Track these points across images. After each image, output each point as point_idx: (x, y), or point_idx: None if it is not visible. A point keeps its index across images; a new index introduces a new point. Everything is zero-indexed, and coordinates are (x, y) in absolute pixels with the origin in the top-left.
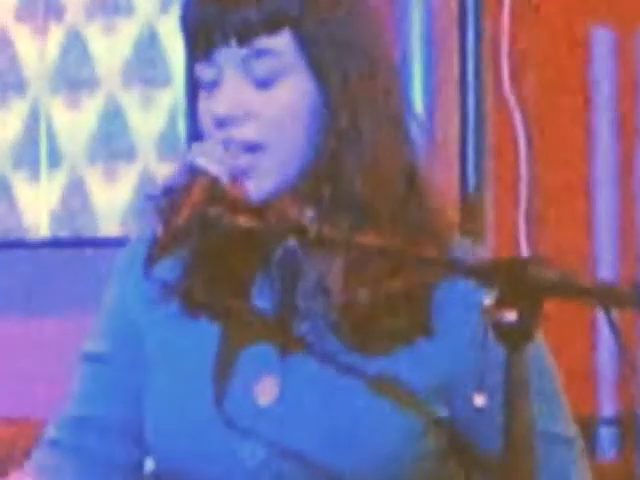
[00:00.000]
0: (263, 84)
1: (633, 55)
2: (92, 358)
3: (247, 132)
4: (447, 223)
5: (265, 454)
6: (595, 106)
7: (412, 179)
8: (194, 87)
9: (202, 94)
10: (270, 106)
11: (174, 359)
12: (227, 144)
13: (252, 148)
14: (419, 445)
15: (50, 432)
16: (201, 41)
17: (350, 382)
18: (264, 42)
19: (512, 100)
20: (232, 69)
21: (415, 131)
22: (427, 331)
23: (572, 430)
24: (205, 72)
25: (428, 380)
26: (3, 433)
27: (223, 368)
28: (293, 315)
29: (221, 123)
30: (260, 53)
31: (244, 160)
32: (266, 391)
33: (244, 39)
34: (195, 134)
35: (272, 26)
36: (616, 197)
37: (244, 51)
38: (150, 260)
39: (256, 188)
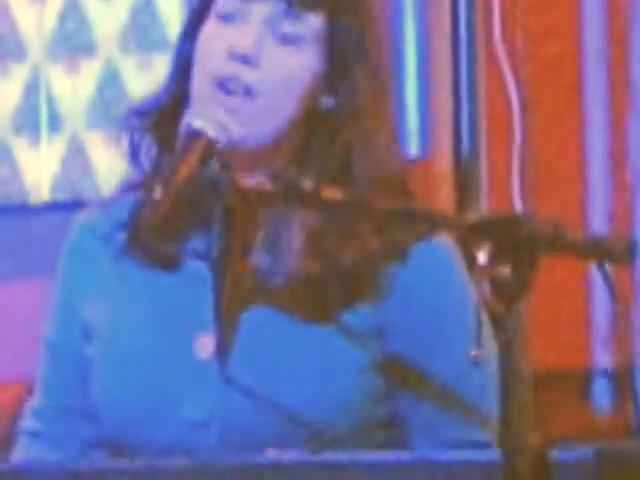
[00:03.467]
0: (283, 40)
1: (622, 6)
2: (48, 344)
3: (251, 76)
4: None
5: (207, 407)
6: (586, 56)
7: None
8: (198, 11)
9: (215, 22)
10: (280, 65)
11: (116, 315)
12: (226, 80)
13: (246, 91)
14: (361, 382)
15: (25, 421)
16: None
17: (288, 331)
18: (304, 10)
19: (504, 59)
20: (262, 15)
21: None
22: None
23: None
24: (231, 3)
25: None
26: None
27: (168, 322)
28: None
29: (237, 57)
30: (295, 17)
31: (233, 102)
32: (204, 347)
33: (289, 1)
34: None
35: (317, 2)
36: (609, 152)
37: (283, 8)
38: (137, 225)
39: (238, 128)
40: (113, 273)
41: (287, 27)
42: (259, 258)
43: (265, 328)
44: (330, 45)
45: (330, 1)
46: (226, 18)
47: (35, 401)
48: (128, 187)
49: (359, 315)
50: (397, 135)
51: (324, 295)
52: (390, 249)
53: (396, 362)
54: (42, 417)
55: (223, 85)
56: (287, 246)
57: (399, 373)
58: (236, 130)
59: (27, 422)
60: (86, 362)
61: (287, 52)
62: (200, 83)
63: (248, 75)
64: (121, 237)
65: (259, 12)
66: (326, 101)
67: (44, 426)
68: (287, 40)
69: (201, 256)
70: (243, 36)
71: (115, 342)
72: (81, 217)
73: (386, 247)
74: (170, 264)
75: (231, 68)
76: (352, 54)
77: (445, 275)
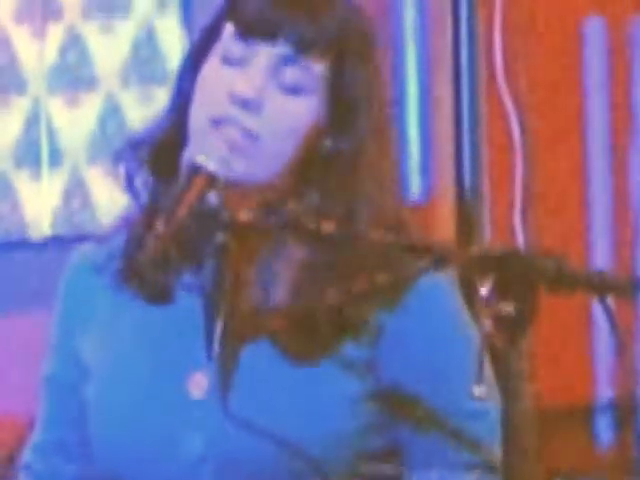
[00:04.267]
0: (286, 88)
1: (624, 44)
2: (46, 380)
3: (253, 122)
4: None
5: (203, 445)
6: (588, 95)
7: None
8: (199, 51)
9: (217, 62)
10: (282, 112)
11: (111, 352)
12: (227, 121)
13: (247, 135)
14: (354, 415)
15: (24, 456)
16: (255, 27)
17: (282, 368)
18: (307, 55)
19: (506, 94)
20: (267, 61)
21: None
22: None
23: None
24: (236, 48)
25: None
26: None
27: (160, 358)
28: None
29: (238, 101)
30: (298, 62)
31: (236, 137)
32: (197, 385)
33: (293, 45)
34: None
35: (321, 47)
36: (611, 187)
37: (286, 52)
38: (132, 260)
39: (241, 166)
40: (108, 308)
41: (291, 75)
42: (253, 293)
43: (259, 363)
44: (334, 92)
45: (335, 49)
46: (229, 61)
47: (34, 436)
48: (124, 223)
49: (352, 349)
50: (397, 175)
51: (317, 330)
52: (379, 291)
53: (392, 391)
54: (38, 451)
55: (219, 124)
56: (280, 281)
57: (395, 402)
58: (238, 167)
59: (25, 457)
60: (83, 398)
61: (290, 100)
62: (199, 120)
63: (248, 120)
64: (115, 269)
65: (263, 58)
66: (329, 144)
67: (40, 460)
68: (290, 89)
69: (194, 290)
70: (245, 81)
71: (111, 380)
72: (77, 253)
73: (375, 289)
74: (163, 298)
75: (231, 111)
76: (356, 101)
77: (439, 316)
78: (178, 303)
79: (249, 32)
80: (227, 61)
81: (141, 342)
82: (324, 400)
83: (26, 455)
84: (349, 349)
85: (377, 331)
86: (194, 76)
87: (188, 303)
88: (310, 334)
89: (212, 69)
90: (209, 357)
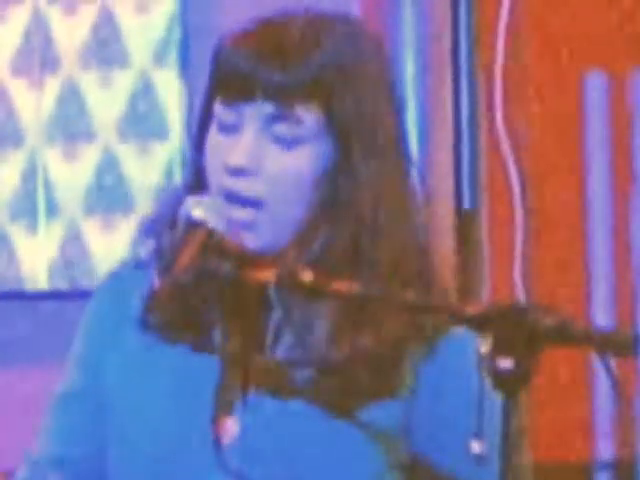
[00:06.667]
0: (281, 144)
1: (625, 97)
2: (63, 397)
3: (254, 187)
4: (444, 281)
5: None
6: (589, 149)
7: (415, 246)
8: (200, 123)
9: (215, 132)
10: (283, 168)
11: (136, 394)
12: (230, 195)
13: (253, 203)
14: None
15: (22, 472)
16: (231, 88)
17: (312, 426)
18: (292, 108)
19: (505, 143)
20: (255, 122)
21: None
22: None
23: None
24: (226, 115)
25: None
26: None
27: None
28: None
29: (232, 172)
30: (286, 117)
31: (242, 214)
32: (227, 430)
33: (274, 100)
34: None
35: (304, 96)
36: (611, 240)
37: (270, 110)
38: (148, 310)
39: (253, 241)
40: (139, 340)
41: (282, 130)
42: (281, 349)
43: (285, 418)
44: (333, 136)
45: (323, 93)
46: (224, 128)
47: (33, 454)
48: (142, 264)
49: (385, 410)
50: (422, 222)
51: (349, 388)
52: (413, 333)
53: (420, 463)
54: (38, 466)
55: (229, 198)
56: (310, 337)
57: (423, 475)
58: (252, 243)
59: (21, 474)
60: (100, 415)
61: (288, 155)
62: (214, 189)
63: (248, 187)
64: (142, 313)
65: (251, 120)
66: (341, 189)
67: (33, 473)
68: (285, 143)
69: (216, 347)
70: (236, 149)
71: (136, 416)
72: (113, 274)
73: (407, 330)
74: (193, 347)
75: (231, 183)
76: (358, 139)
77: (470, 373)
78: (209, 352)
79: (230, 97)
80: (222, 129)
81: (171, 382)
82: (352, 466)
83: (22, 472)
84: (384, 410)
85: (413, 381)
86: (202, 149)
87: (209, 358)
88: (344, 390)
89: (212, 139)
90: (243, 403)
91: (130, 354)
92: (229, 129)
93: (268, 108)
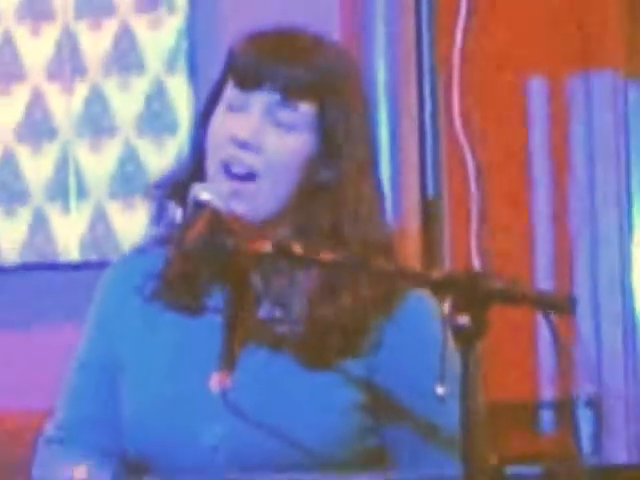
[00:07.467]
0: (281, 127)
1: (562, 100)
2: (80, 366)
3: (253, 160)
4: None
5: (221, 434)
6: (532, 143)
7: (379, 218)
8: (208, 105)
9: (223, 111)
10: (279, 148)
11: (145, 354)
12: (231, 164)
13: (250, 175)
14: (352, 419)
15: (49, 432)
16: (245, 76)
17: (291, 373)
18: (293, 100)
19: (462, 136)
20: (261, 107)
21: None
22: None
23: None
24: (236, 97)
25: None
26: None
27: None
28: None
29: (238, 144)
30: (287, 106)
31: (239, 186)
32: (223, 380)
33: (279, 91)
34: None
35: (304, 92)
36: (552, 220)
37: (276, 98)
38: (159, 279)
39: (246, 209)
40: (142, 314)
41: (283, 116)
42: (267, 309)
43: (271, 368)
44: (321, 128)
45: (319, 92)
46: (231, 108)
47: (59, 418)
48: (158, 240)
49: (351, 362)
50: (383, 207)
51: (323, 344)
52: (380, 298)
53: (383, 401)
54: (69, 427)
55: (228, 167)
56: (290, 299)
57: (386, 411)
58: (240, 209)
59: (49, 433)
60: (115, 385)
61: (285, 137)
62: (211, 164)
63: (249, 159)
64: (151, 286)
65: (258, 103)
66: (321, 175)
67: (72, 434)
68: (284, 127)
69: (217, 308)
70: (244, 125)
71: (145, 376)
72: (119, 259)
73: (377, 296)
74: (191, 312)
75: (234, 152)
76: (340, 135)
77: (425, 330)
78: (204, 316)
79: (243, 83)
80: (230, 108)
81: (173, 346)
82: (327, 404)
83: (50, 431)
84: (351, 365)
85: (377, 343)
86: (206, 126)
87: (213, 317)
88: (319, 345)
89: (218, 118)
90: (226, 360)
91: (137, 321)
92: (237, 109)
93: (274, 96)
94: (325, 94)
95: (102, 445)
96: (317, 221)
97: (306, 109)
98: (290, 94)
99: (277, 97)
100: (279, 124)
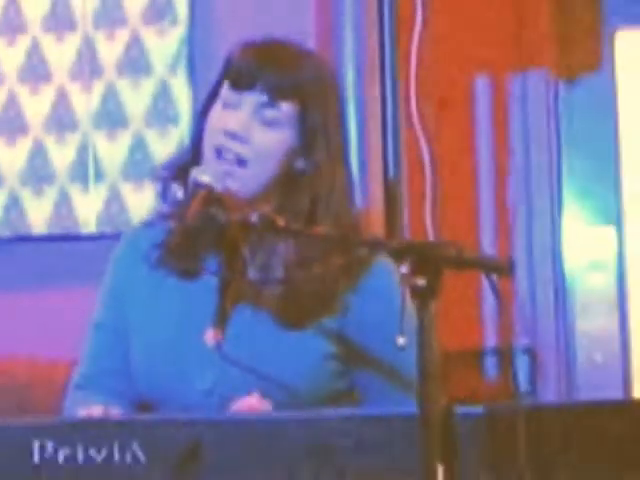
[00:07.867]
0: (266, 124)
1: (505, 95)
2: (97, 326)
3: (242, 149)
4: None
5: (213, 379)
6: (478, 133)
7: (348, 198)
8: (208, 100)
9: (219, 107)
10: (265, 141)
11: (152, 313)
12: (222, 151)
13: (240, 162)
14: (326, 366)
15: (75, 380)
16: (239, 78)
17: (273, 328)
18: (279, 101)
19: (418, 129)
20: (250, 105)
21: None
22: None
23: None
24: (230, 95)
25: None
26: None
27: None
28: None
29: (229, 135)
30: (273, 106)
31: (231, 169)
32: (211, 336)
33: (268, 93)
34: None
35: (289, 95)
36: (494, 192)
37: (264, 99)
38: (167, 245)
39: (240, 187)
40: (148, 280)
41: (269, 114)
42: (253, 274)
43: (256, 323)
44: (300, 126)
45: (301, 95)
46: (226, 106)
47: (82, 369)
48: (163, 215)
49: (325, 319)
50: (352, 192)
51: (298, 304)
52: (348, 266)
53: (353, 351)
54: (89, 377)
55: (220, 153)
56: (271, 266)
57: (355, 359)
58: (232, 186)
59: (75, 381)
60: (127, 342)
61: (269, 132)
62: (207, 150)
63: (238, 148)
64: (156, 254)
65: (248, 102)
66: (298, 164)
67: (92, 382)
68: (269, 124)
69: (213, 271)
70: (235, 120)
71: (147, 333)
72: (128, 232)
73: (345, 264)
74: (191, 276)
75: (224, 141)
76: (317, 132)
77: (387, 291)
78: (202, 279)
79: (237, 84)
80: (225, 106)
81: (173, 306)
82: (304, 354)
83: (76, 380)
84: (325, 321)
85: (347, 303)
86: (205, 119)
87: (209, 279)
88: (298, 306)
89: (215, 113)
90: (220, 317)
91: (144, 287)
92: (230, 107)
93: (262, 97)
94: (305, 97)
95: (117, 390)
96: (295, 202)
97: (289, 109)
98: (276, 95)
99: (264, 98)
100: (265, 121)
